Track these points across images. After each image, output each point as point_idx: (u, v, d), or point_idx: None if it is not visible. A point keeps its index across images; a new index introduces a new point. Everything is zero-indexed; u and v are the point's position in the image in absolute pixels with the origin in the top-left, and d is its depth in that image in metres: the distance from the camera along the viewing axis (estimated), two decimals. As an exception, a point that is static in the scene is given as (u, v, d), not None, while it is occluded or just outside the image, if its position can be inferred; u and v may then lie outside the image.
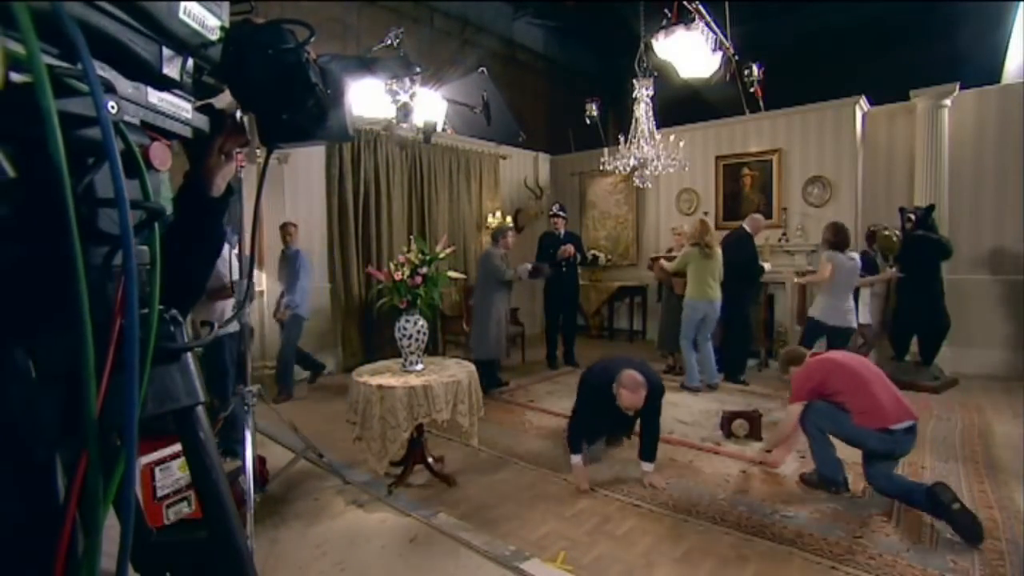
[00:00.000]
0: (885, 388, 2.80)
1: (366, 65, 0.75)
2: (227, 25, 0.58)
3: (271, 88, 0.62)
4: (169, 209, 0.77)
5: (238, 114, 0.70)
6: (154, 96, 0.54)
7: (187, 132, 0.60)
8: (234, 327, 3.24)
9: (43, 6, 0.40)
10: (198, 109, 0.65)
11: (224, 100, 0.69)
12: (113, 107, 0.46)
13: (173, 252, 0.78)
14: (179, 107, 0.58)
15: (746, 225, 5.19)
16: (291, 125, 0.66)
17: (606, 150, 5.76)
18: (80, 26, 0.43)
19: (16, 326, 0.44)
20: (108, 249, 0.49)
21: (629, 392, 2.90)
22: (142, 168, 0.50)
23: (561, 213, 5.98)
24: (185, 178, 0.76)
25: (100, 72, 0.45)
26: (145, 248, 0.54)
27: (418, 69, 0.93)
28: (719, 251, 4.92)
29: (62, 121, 0.41)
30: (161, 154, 0.53)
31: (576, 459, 3.05)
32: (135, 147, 0.49)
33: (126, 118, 0.50)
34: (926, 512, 2.55)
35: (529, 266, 5.28)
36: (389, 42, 3.90)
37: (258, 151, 0.76)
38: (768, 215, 6.17)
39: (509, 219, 7.37)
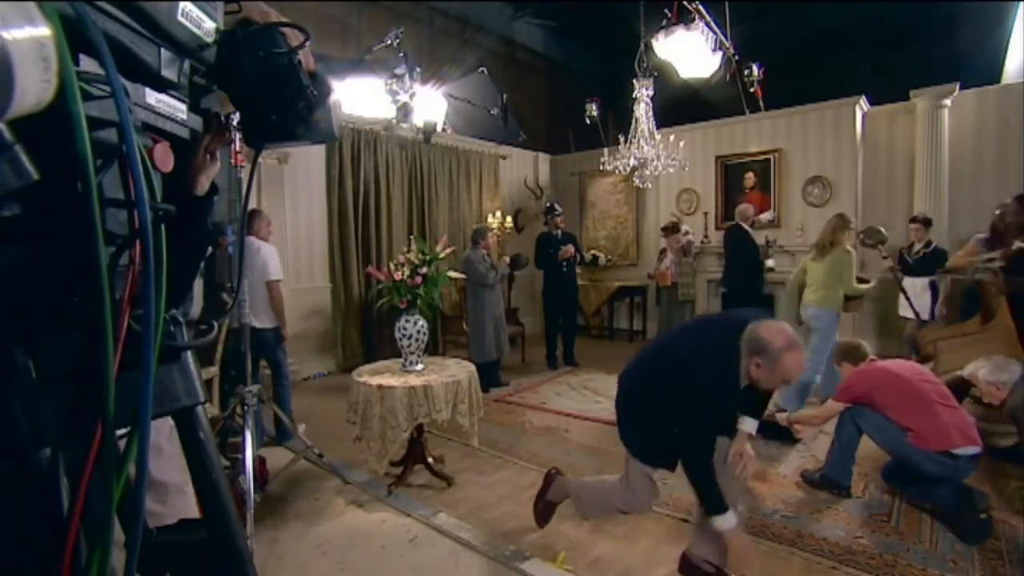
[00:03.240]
0: (948, 408, 2.54)
1: (351, 67, 0.76)
2: (222, 27, 0.58)
3: (262, 90, 0.62)
4: None
5: (235, 115, 0.71)
6: (151, 97, 0.54)
7: (184, 133, 0.60)
8: (271, 323, 3.62)
9: (65, 9, 0.40)
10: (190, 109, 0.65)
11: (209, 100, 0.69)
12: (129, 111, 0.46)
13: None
14: (175, 108, 0.58)
15: (737, 218, 5.21)
16: (278, 126, 0.66)
17: (606, 150, 5.76)
18: (81, 24, 0.43)
19: (17, 326, 0.44)
20: (114, 249, 0.49)
21: (795, 353, 1.80)
22: (150, 170, 0.50)
23: (557, 210, 5.96)
24: (168, 179, 0.76)
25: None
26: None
27: (400, 71, 0.93)
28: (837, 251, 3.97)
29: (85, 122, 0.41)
30: (163, 155, 0.54)
31: (732, 519, 1.89)
32: (143, 149, 0.49)
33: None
34: (946, 507, 2.49)
35: (508, 259, 5.29)
36: (389, 42, 3.89)
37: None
38: (768, 215, 6.18)
39: (509, 219, 7.37)
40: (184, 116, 0.61)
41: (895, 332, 5.33)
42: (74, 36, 0.42)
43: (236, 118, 0.71)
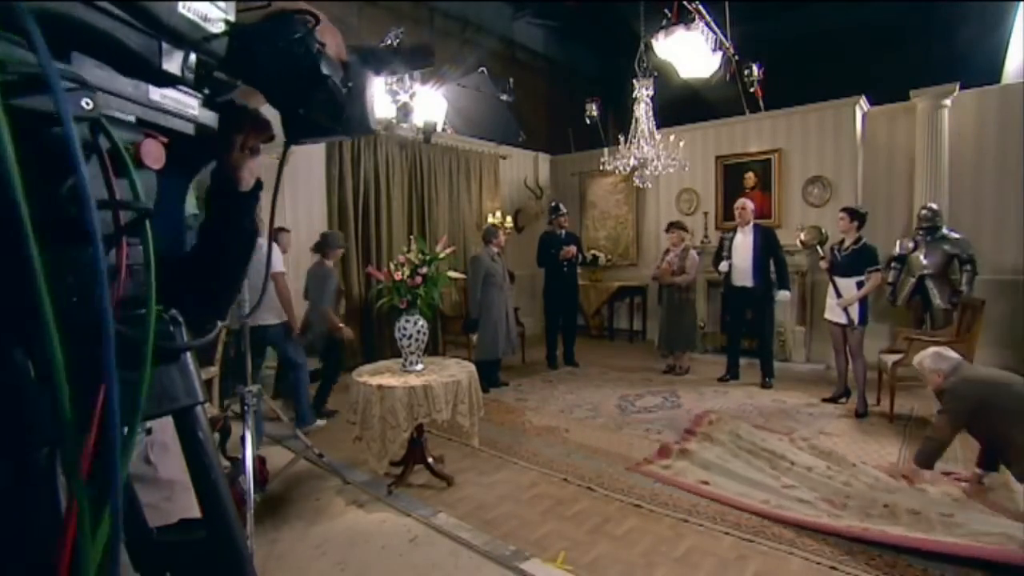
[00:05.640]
0: None
1: (386, 57, 0.74)
2: (231, 17, 0.57)
3: (281, 82, 0.60)
4: (190, 212, 0.77)
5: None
6: (156, 93, 0.53)
7: (189, 129, 0.59)
8: (278, 319, 3.72)
9: None
10: (221, 104, 0.64)
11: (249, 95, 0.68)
12: (87, 104, 0.44)
13: (208, 252, 0.77)
14: (184, 103, 0.57)
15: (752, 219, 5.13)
16: (309, 120, 0.64)
17: (606, 150, 5.76)
18: (67, 21, 0.42)
19: (15, 325, 0.44)
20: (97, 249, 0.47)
21: None
22: (129, 166, 0.49)
23: (561, 210, 5.97)
24: (212, 177, 0.75)
25: (64, 66, 0.44)
26: (141, 248, 0.54)
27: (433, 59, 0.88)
28: None
29: (40, 119, 0.40)
30: (154, 151, 0.52)
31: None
32: (121, 144, 0.48)
33: (118, 115, 0.49)
34: None
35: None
36: (389, 42, 3.90)
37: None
38: (768, 215, 6.17)
39: (509, 219, 7.37)
40: (195, 111, 0.59)
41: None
42: (65, 33, 0.42)
43: (258, 111, 0.69)
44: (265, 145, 0.77)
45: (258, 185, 0.77)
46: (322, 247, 4.26)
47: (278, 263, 3.65)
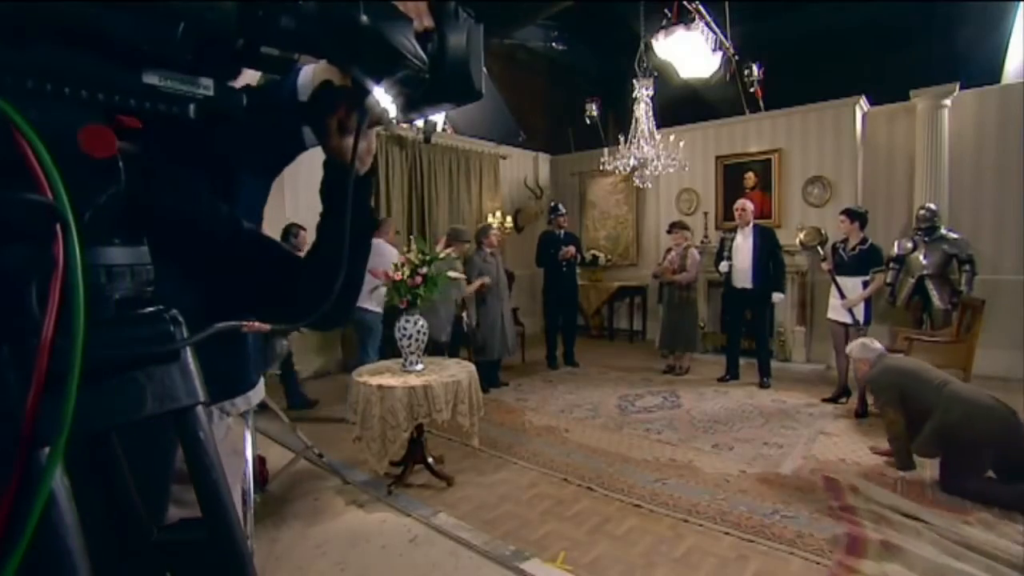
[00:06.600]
0: None
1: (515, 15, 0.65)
2: None
3: (319, 42, 0.52)
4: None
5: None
6: (153, 77, 0.48)
7: (189, 113, 0.51)
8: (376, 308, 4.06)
9: None
10: (319, 91, 0.60)
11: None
12: None
13: (321, 246, 0.75)
14: (195, 84, 0.51)
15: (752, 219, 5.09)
16: (399, 91, 0.55)
17: (606, 150, 5.76)
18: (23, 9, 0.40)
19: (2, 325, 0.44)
20: (24, 251, 0.43)
21: None
22: (44, 155, 0.42)
23: (561, 210, 5.97)
24: (323, 167, 0.72)
25: None
26: (144, 248, 0.53)
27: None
28: None
29: None
30: (97, 139, 0.45)
31: None
32: (30, 130, 0.41)
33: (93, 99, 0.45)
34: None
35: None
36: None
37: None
38: (768, 215, 6.17)
39: (509, 219, 7.36)
40: (209, 92, 0.51)
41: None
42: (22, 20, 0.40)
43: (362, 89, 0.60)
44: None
45: (372, 170, 0.73)
46: (452, 239, 4.83)
47: (391, 257, 3.63)
